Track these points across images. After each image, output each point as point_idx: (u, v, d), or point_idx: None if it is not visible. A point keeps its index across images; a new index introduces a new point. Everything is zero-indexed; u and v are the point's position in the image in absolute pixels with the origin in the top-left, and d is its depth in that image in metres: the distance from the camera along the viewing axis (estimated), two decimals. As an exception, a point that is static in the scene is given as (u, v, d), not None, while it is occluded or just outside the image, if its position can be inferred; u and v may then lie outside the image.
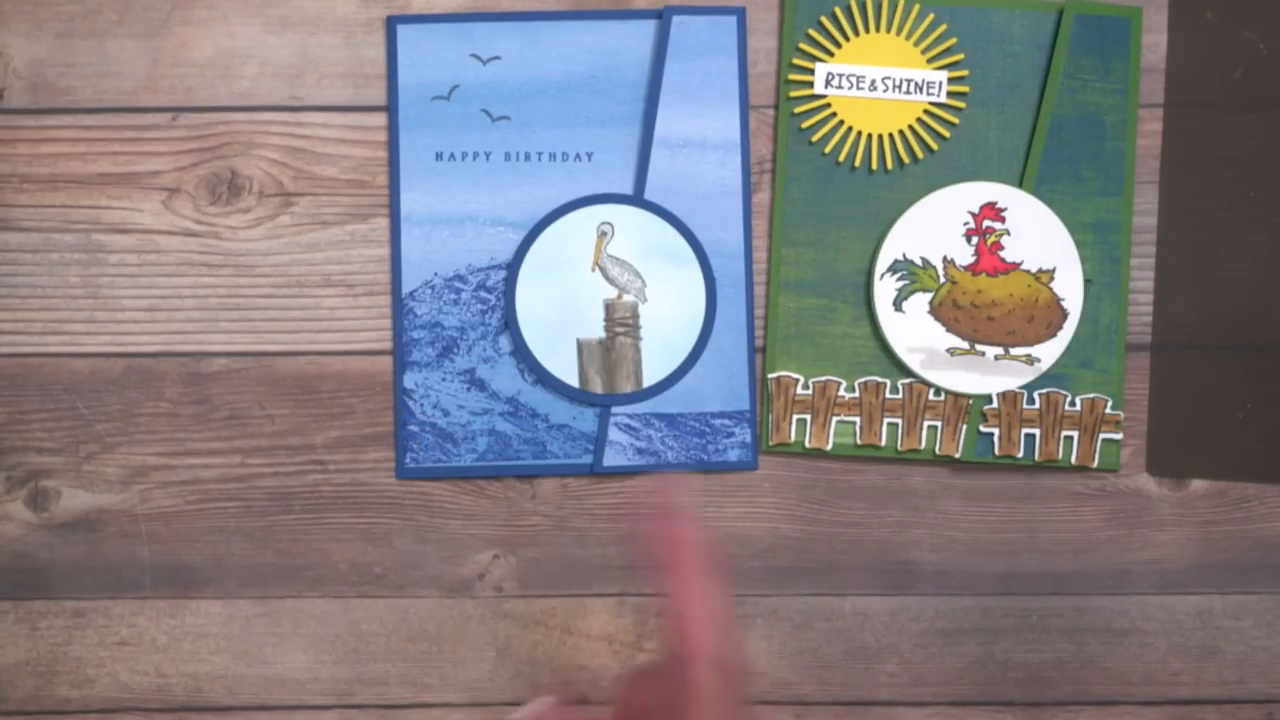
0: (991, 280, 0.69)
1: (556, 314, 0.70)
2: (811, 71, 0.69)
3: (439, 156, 0.70)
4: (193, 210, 0.68)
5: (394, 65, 0.69)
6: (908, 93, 0.69)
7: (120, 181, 0.68)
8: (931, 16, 0.69)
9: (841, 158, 0.69)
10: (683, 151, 0.70)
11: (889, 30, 0.69)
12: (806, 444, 0.70)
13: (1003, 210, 0.69)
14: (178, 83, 0.68)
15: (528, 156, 0.70)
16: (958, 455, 0.69)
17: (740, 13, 0.70)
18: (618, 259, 0.70)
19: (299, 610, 0.70)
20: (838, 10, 0.69)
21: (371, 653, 0.70)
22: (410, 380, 0.70)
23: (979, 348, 0.69)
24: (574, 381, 0.70)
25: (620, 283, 0.70)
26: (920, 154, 0.69)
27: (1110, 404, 0.69)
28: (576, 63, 0.70)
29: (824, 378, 0.70)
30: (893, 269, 0.69)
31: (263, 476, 0.70)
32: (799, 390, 0.70)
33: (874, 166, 0.69)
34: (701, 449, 0.70)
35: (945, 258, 0.69)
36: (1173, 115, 0.70)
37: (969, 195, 0.69)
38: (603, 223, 0.70)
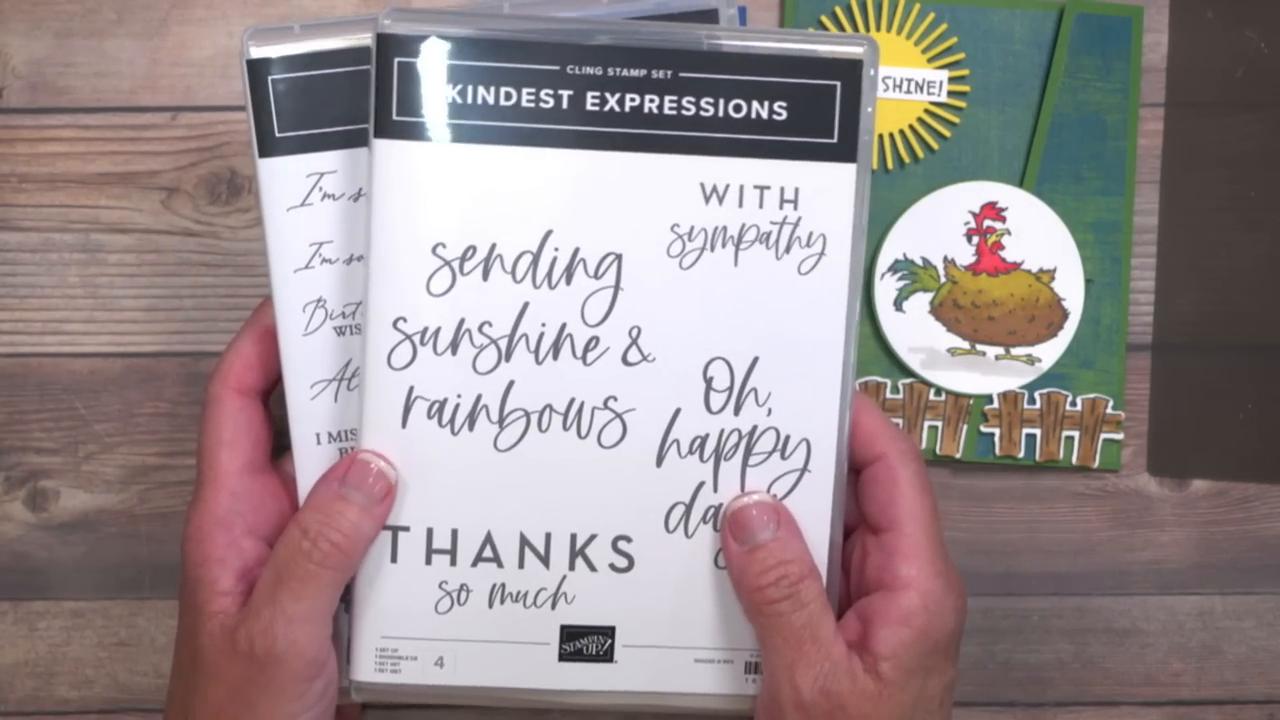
0: (992, 280, 0.69)
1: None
2: (812, 71, 0.69)
3: (439, 156, 0.70)
4: (192, 210, 0.68)
5: (394, 65, 0.69)
6: (908, 92, 0.69)
7: (119, 181, 0.68)
8: (932, 16, 0.69)
9: (842, 157, 0.69)
10: (683, 151, 0.70)
11: (889, 29, 0.69)
12: (807, 444, 0.70)
13: (1003, 210, 0.69)
14: (177, 82, 0.68)
15: (527, 156, 0.70)
16: (958, 455, 0.69)
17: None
18: (618, 259, 0.70)
19: (298, 610, 0.70)
20: (838, 10, 0.69)
21: (371, 653, 0.70)
22: (410, 380, 0.70)
23: (980, 348, 0.69)
24: (574, 381, 0.70)
25: (620, 283, 0.70)
26: (920, 154, 0.69)
27: (1111, 404, 0.69)
28: (576, 62, 0.70)
29: (824, 378, 0.69)
30: (893, 269, 0.69)
31: (262, 477, 0.69)
32: (799, 390, 0.69)
33: (874, 166, 0.69)
34: (701, 449, 0.70)
35: (946, 257, 0.69)
36: (1173, 115, 0.70)
37: (969, 195, 0.69)
38: (603, 222, 0.70)
